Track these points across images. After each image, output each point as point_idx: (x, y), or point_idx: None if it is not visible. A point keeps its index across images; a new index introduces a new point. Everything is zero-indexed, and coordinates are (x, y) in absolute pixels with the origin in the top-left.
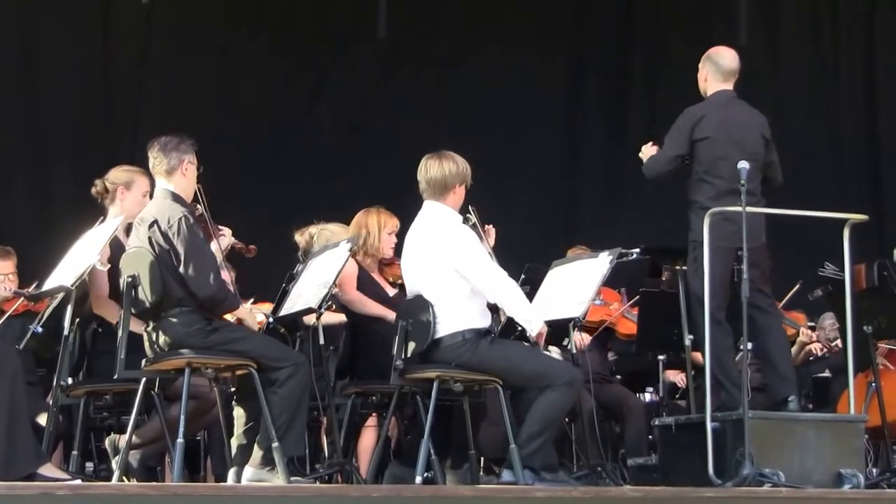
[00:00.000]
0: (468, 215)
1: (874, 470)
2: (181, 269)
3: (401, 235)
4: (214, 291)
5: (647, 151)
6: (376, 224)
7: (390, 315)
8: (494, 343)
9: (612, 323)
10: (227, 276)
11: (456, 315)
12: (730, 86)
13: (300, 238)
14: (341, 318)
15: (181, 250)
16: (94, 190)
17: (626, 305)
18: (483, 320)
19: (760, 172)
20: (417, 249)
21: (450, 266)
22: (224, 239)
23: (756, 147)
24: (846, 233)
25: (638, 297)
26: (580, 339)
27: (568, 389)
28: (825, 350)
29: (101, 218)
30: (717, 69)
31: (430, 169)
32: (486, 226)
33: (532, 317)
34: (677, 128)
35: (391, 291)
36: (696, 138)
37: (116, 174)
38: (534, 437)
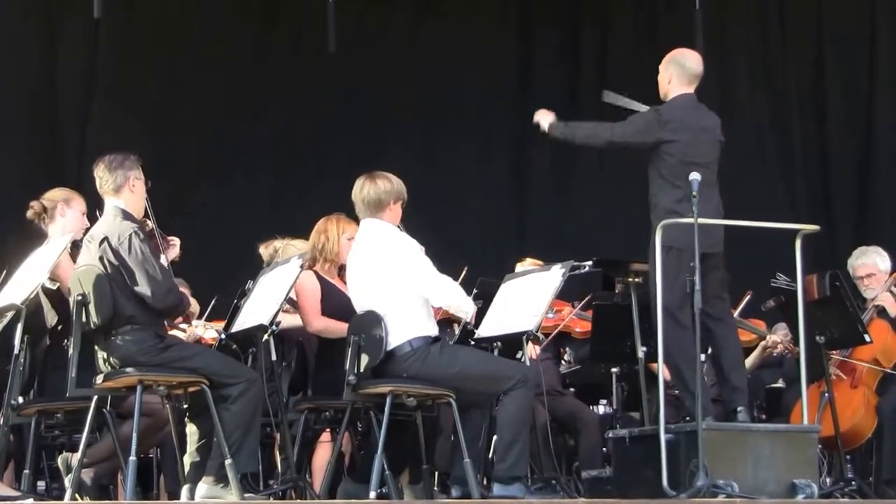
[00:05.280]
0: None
1: (828, 480)
2: (137, 287)
3: None
4: (173, 302)
5: (545, 115)
6: (336, 230)
7: None
8: (444, 349)
9: (566, 326)
10: (184, 290)
11: (403, 325)
12: (692, 90)
13: (265, 251)
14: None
15: (134, 267)
16: (30, 212)
17: (578, 307)
18: (430, 327)
19: (716, 175)
20: (363, 264)
21: (397, 274)
22: (173, 249)
23: (716, 152)
24: (798, 243)
25: (589, 297)
26: (533, 350)
27: (524, 388)
28: (787, 351)
29: (48, 238)
30: (683, 72)
31: (363, 188)
32: None
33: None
34: (646, 120)
35: None
36: (664, 140)
37: (53, 193)
38: (510, 446)
